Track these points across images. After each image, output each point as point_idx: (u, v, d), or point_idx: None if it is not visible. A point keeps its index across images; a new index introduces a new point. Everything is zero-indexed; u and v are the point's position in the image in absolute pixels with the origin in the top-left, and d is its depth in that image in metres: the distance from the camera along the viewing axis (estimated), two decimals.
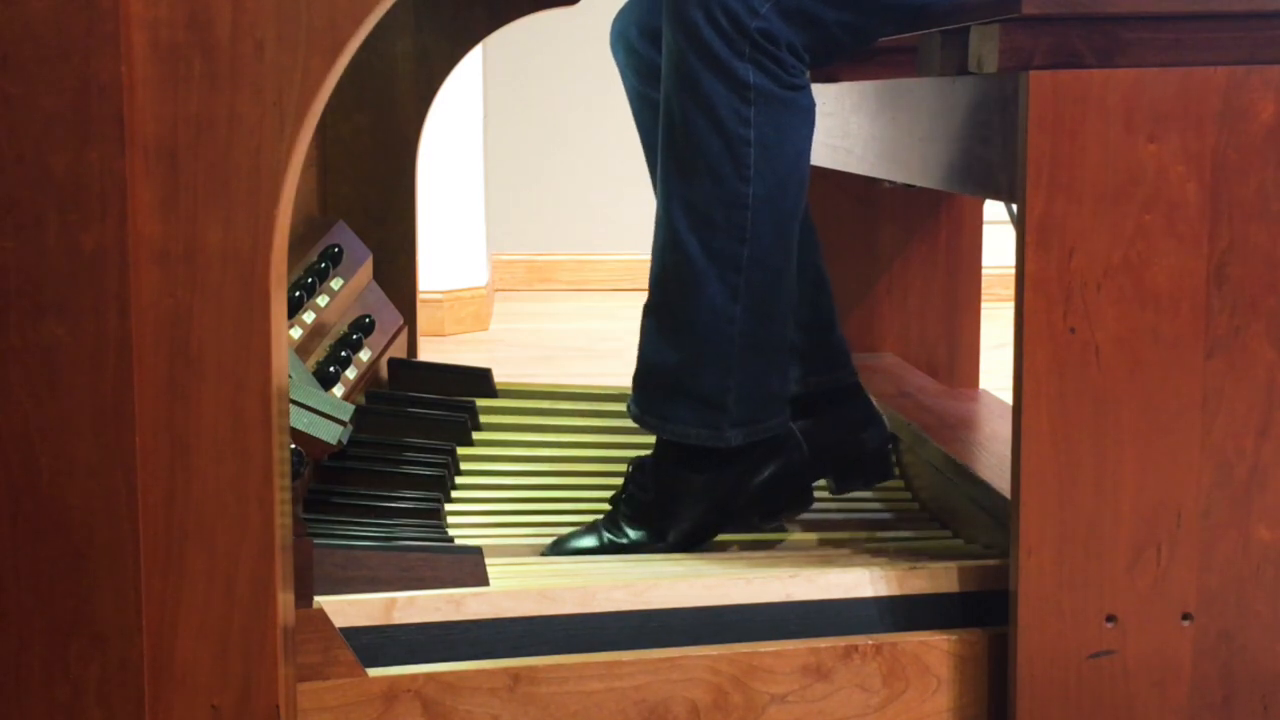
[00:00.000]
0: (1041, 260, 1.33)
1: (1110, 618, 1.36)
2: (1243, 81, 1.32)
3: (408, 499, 1.73)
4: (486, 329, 4.03)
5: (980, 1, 1.42)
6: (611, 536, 1.68)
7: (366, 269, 2.14)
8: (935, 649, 1.41)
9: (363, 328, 1.97)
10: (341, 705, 1.32)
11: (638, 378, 1.70)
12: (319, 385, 1.68)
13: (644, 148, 1.89)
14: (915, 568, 1.47)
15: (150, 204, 1.16)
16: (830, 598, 1.45)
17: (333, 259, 1.96)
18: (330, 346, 1.88)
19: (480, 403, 2.04)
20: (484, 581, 1.44)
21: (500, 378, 2.14)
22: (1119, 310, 1.34)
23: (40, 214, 1.15)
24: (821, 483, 1.79)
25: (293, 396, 1.44)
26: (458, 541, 1.63)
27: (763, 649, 1.39)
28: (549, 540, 1.72)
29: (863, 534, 1.80)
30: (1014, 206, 1.41)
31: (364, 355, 1.94)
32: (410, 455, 1.85)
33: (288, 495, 1.25)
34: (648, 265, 1.70)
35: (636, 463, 1.73)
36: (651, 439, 1.75)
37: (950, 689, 1.41)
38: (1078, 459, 1.34)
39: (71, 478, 1.17)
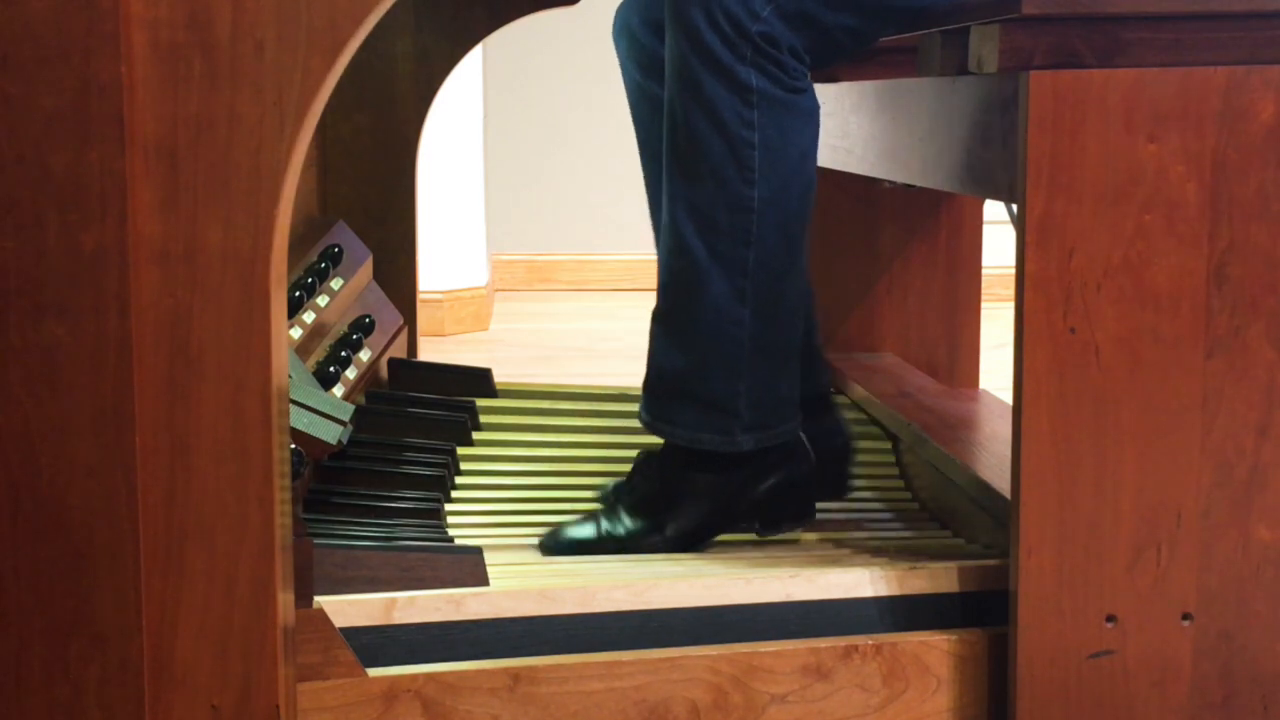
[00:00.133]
0: (1041, 260, 1.33)
1: (1110, 618, 1.36)
2: (1243, 81, 1.32)
3: (408, 499, 1.73)
4: (486, 329, 4.03)
5: (980, 1, 1.42)
6: (609, 526, 1.68)
7: (366, 269, 2.14)
8: (935, 649, 1.41)
9: (363, 328, 1.97)
10: (341, 705, 1.32)
11: (647, 383, 1.70)
12: (319, 385, 1.68)
13: (639, 145, 1.88)
14: (915, 568, 1.47)
15: (150, 204, 1.16)
16: (830, 598, 1.45)
17: (333, 259, 1.96)
18: (330, 346, 1.89)
19: (480, 403, 2.04)
20: (484, 581, 1.44)
21: (500, 378, 2.14)
22: (1119, 310, 1.34)
23: (40, 214, 1.15)
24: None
25: (293, 396, 1.44)
26: (458, 541, 1.63)
27: (763, 649, 1.39)
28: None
29: (863, 534, 1.80)
30: (1014, 206, 1.41)
31: (364, 355, 1.94)
32: (410, 455, 1.85)
33: (288, 495, 1.25)
34: (648, 265, 1.71)
35: (645, 453, 1.73)
36: (651, 437, 1.75)
37: (950, 689, 1.41)
38: (1078, 459, 1.34)
39: (71, 478, 1.17)
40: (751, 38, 1.56)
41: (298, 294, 1.79)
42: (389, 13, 1.27)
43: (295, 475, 1.40)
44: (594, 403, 2.08)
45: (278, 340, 1.21)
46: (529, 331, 3.98)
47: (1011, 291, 1.38)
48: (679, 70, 1.60)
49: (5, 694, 1.19)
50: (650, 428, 1.70)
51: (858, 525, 1.83)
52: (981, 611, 1.45)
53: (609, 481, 1.82)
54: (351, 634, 1.36)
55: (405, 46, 2.24)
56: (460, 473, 1.88)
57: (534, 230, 4.73)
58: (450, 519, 1.76)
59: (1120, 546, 1.35)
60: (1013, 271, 1.37)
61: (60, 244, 1.15)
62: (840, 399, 2.16)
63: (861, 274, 2.33)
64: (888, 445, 2.03)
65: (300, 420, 1.48)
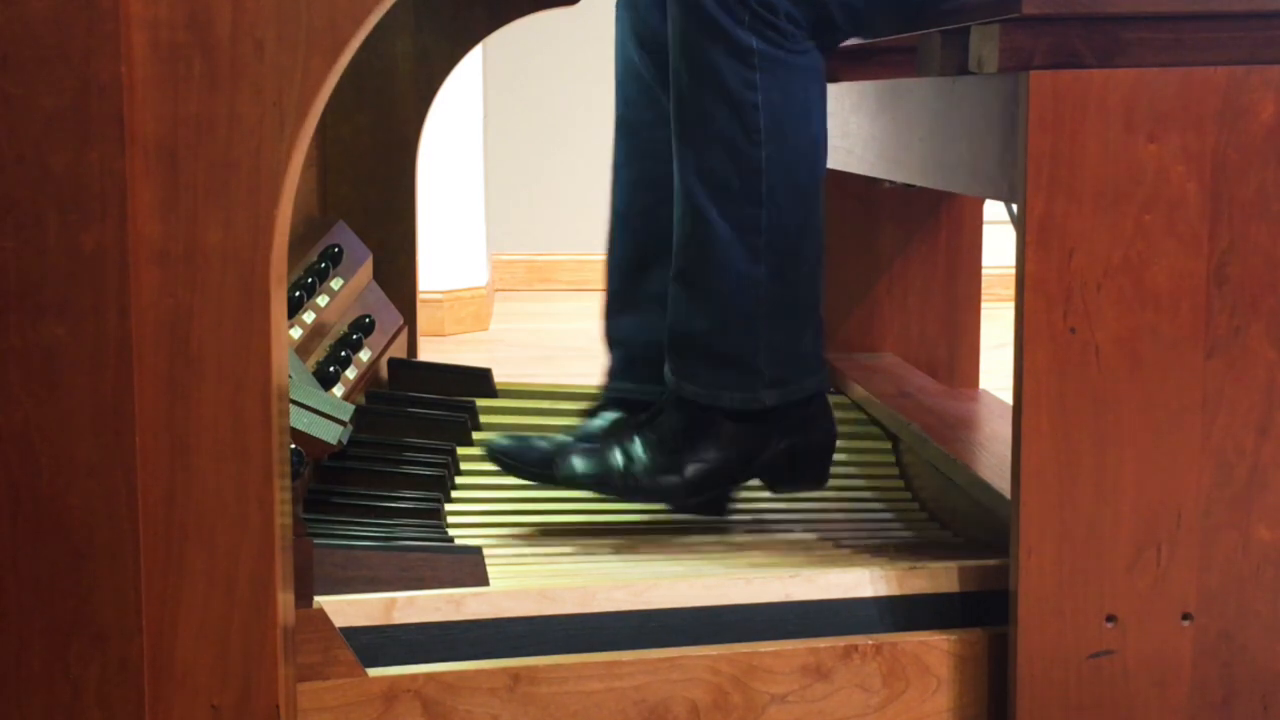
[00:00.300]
0: (1041, 260, 1.33)
1: (1110, 618, 1.36)
2: (1243, 81, 1.32)
3: (408, 499, 1.73)
4: (486, 329, 4.03)
5: (980, 1, 1.42)
6: (622, 460, 1.68)
7: (366, 269, 2.14)
8: (935, 649, 1.41)
9: (363, 328, 1.97)
10: (341, 705, 1.32)
11: (670, 345, 1.71)
12: (319, 385, 1.68)
13: (616, 121, 1.86)
14: (915, 568, 1.47)
15: (150, 204, 1.16)
16: (830, 598, 1.45)
17: (333, 259, 1.96)
18: (330, 346, 1.88)
19: (480, 403, 2.04)
20: (484, 581, 1.44)
21: (500, 378, 2.14)
22: (1119, 310, 1.34)
23: (40, 214, 1.15)
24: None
25: (293, 396, 1.44)
26: (458, 541, 1.63)
27: (763, 649, 1.39)
28: (549, 540, 1.72)
29: (863, 534, 1.80)
30: (1014, 206, 1.41)
31: (364, 355, 1.94)
32: (410, 455, 1.85)
33: (288, 495, 1.25)
34: None
35: (674, 392, 1.73)
36: None
37: (950, 689, 1.41)
38: (1078, 459, 1.34)
39: (71, 478, 1.17)
40: (749, 3, 1.58)
41: (298, 294, 1.79)
42: (389, 13, 1.27)
43: (295, 475, 1.40)
44: (594, 403, 2.07)
45: (278, 340, 1.21)
46: (529, 331, 3.98)
47: (1011, 291, 1.38)
48: (680, 40, 1.62)
49: (5, 694, 1.19)
50: (675, 388, 1.71)
51: (858, 525, 1.83)
52: (981, 611, 1.45)
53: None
54: (351, 634, 1.36)
55: (405, 46, 2.24)
56: (460, 473, 1.88)
57: (534, 230, 4.73)
58: (450, 519, 1.76)
59: (1120, 546, 1.35)
60: (1013, 271, 1.37)
61: (60, 244, 1.15)
62: (840, 399, 2.16)
63: (861, 274, 2.33)
64: (888, 445, 2.03)
65: (300, 420, 1.48)
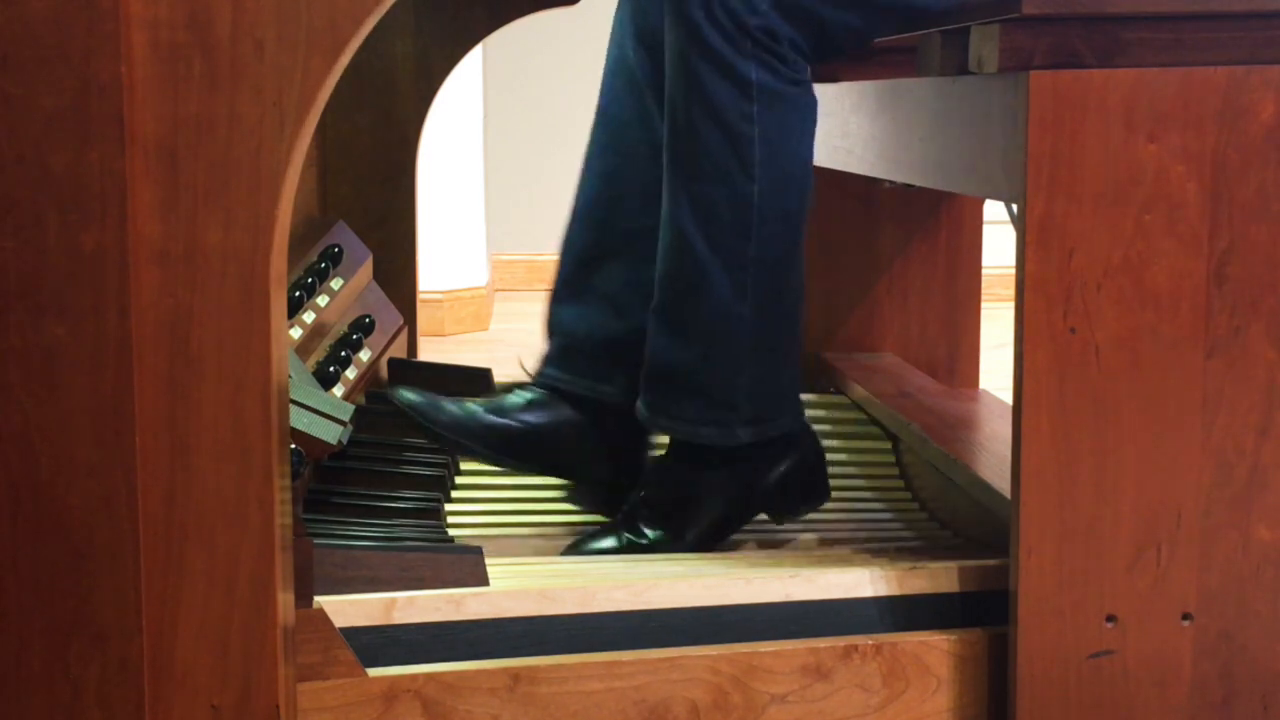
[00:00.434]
0: (1041, 260, 1.33)
1: (1110, 618, 1.36)
2: (1243, 81, 1.32)
3: (408, 499, 1.73)
4: (486, 329, 4.03)
5: (980, 1, 1.42)
6: (631, 537, 1.68)
7: (366, 269, 2.14)
8: (935, 649, 1.41)
9: (363, 328, 1.97)
10: (341, 705, 1.32)
11: (647, 378, 1.70)
12: (319, 385, 1.68)
13: (597, 113, 1.84)
14: (915, 568, 1.47)
15: (150, 204, 1.16)
16: (830, 598, 1.45)
17: (333, 259, 1.96)
18: (330, 346, 1.88)
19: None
20: (484, 581, 1.44)
21: (500, 378, 2.14)
22: (1119, 310, 1.34)
23: (40, 214, 1.15)
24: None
25: (293, 396, 1.44)
26: (458, 541, 1.63)
27: (763, 649, 1.39)
28: (549, 540, 1.72)
29: (863, 534, 1.80)
30: (1014, 206, 1.41)
31: (364, 355, 1.94)
32: (410, 455, 1.85)
33: (288, 495, 1.25)
34: None
35: (652, 464, 1.73)
36: (660, 438, 1.75)
37: (950, 689, 1.41)
38: (1078, 459, 1.34)
39: (71, 478, 1.17)
40: (750, 31, 1.56)
41: (298, 294, 1.79)
42: (389, 13, 1.27)
43: (295, 475, 1.40)
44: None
45: (278, 340, 1.21)
46: (529, 331, 3.97)
47: (1011, 291, 1.38)
48: (679, 65, 1.60)
49: (5, 694, 1.19)
50: (648, 422, 1.70)
51: (858, 525, 1.83)
52: (981, 611, 1.45)
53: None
54: (351, 634, 1.36)
55: (405, 46, 2.24)
56: (460, 473, 1.88)
57: (534, 230, 4.73)
58: (450, 519, 1.76)
59: (1120, 546, 1.35)
60: (1013, 271, 1.37)
61: (60, 244, 1.15)
62: (840, 399, 2.16)
63: (861, 274, 2.33)
64: (888, 445, 2.03)
65: (300, 420, 1.48)
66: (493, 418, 1.73)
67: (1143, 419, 1.34)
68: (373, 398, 1.99)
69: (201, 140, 1.16)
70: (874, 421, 2.08)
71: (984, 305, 2.36)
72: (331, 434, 1.50)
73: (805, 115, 1.63)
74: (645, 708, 1.37)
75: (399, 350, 2.19)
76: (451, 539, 1.64)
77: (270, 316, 1.18)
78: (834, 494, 1.84)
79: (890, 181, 2.12)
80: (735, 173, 1.60)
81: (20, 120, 1.14)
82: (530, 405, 1.76)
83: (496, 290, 4.58)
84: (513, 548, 1.71)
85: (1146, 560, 1.35)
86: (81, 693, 1.19)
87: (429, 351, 2.67)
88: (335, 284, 1.94)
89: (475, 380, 2.12)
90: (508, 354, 3.58)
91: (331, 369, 1.79)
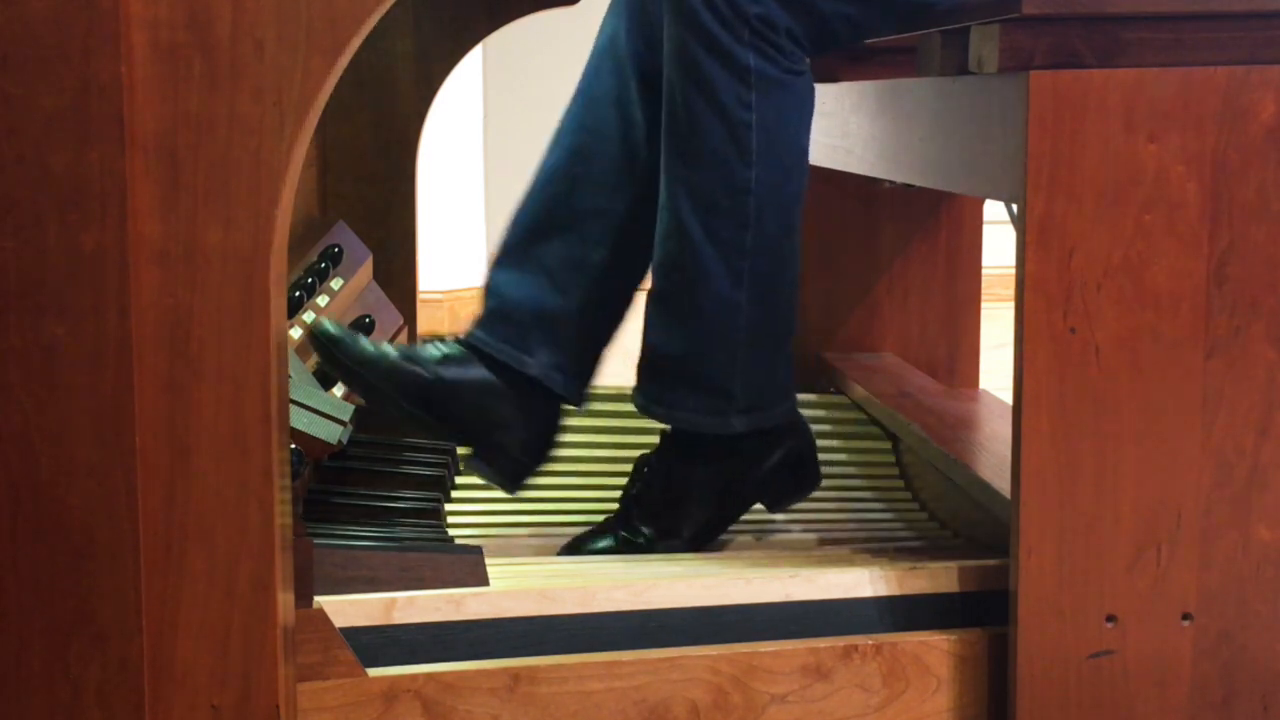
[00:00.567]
0: (1041, 260, 1.33)
1: (1110, 618, 1.36)
2: (1243, 81, 1.32)
3: (408, 499, 1.73)
4: None
5: (980, 1, 1.42)
6: (627, 535, 1.68)
7: (366, 269, 2.14)
8: (935, 649, 1.41)
9: (363, 327, 1.97)
10: (341, 705, 1.32)
11: (642, 366, 1.70)
12: (319, 385, 1.68)
13: (577, 93, 1.81)
14: (915, 568, 1.47)
15: (150, 204, 1.16)
16: (830, 598, 1.45)
17: (333, 259, 1.96)
18: None
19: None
20: (484, 581, 1.44)
21: None
22: (1119, 310, 1.34)
23: (40, 214, 1.15)
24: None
25: (293, 396, 1.44)
26: (458, 541, 1.63)
27: (763, 649, 1.39)
28: (549, 540, 1.72)
29: (863, 534, 1.80)
30: (1014, 206, 1.41)
31: None
32: (410, 455, 1.85)
33: (288, 495, 1.25)
34: None
35: (643, 460, 1.73)
36: (653, 437, 1.74)
37: (950, 689, 1.41)
38: (1078, 459, 1.34)
39: (71, 478, 1.17)
40: (749, 20, 1.56)
41: (298, 294, 1.79)
42: (389, 13, 1.27)
43: (295, 475, 1.40)
44: (594, 403, 2.07)
45: (278, 340, 1.21)
46: None
47: (1011, 291, 1.38)
48: (677, 54, 1.60)
49: (5, 694, 1.19)
50: (645, 410, 1.70)
51: (858, 525, 1.83)
52: (981, 611, 1.45)
53: (609, 481, 1.81)
54: (351, 634, 1.36)
55: (405, 46, 2.24)
56: (460, 473, 1.88)
57: None
58: (450, 519, 1.76)
59: (1120, 546, 1.35)
60: (1013, 271, 1.37)
61: (60, 244, 1.15)
62: (840, 399, 2.16)
63: (861, 274, 2.33)
64: (888, 445, 2.03)
65: (300, 420, 1.48)
66: (406, 363, 1.70)
67: (1143, 419, 1.34)
68: None
69: (201, 140, 1.16)
70: (874, 421, 2.08)
71: (984, 305, 2.36)
72: (331, 434, 1.50)
73: (803, 103, 1.63)
74: (645, 708, 1.37)
75: None
76: (451, 539, 1.63)
77: (270, 316, 1.18)
78: (834, 494, 1.84)
79: (890, 181, 2.12)
80: (733, 160, 1.59)
81: (20, 120, 1.14)
82: (446, 359, 1.72)
83: None
84: (513, 548, 1.71)
85: (1146, 560, 1.35)
86: (81, 693, 1.19)
87: None
88: (335, 284, 1.94)
89: None
90: None
91: None
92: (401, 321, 2.19)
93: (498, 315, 1.75)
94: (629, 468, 1.76)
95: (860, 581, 1.46)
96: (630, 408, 2.02)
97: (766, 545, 1.74)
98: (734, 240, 1.61)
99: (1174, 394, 1.34)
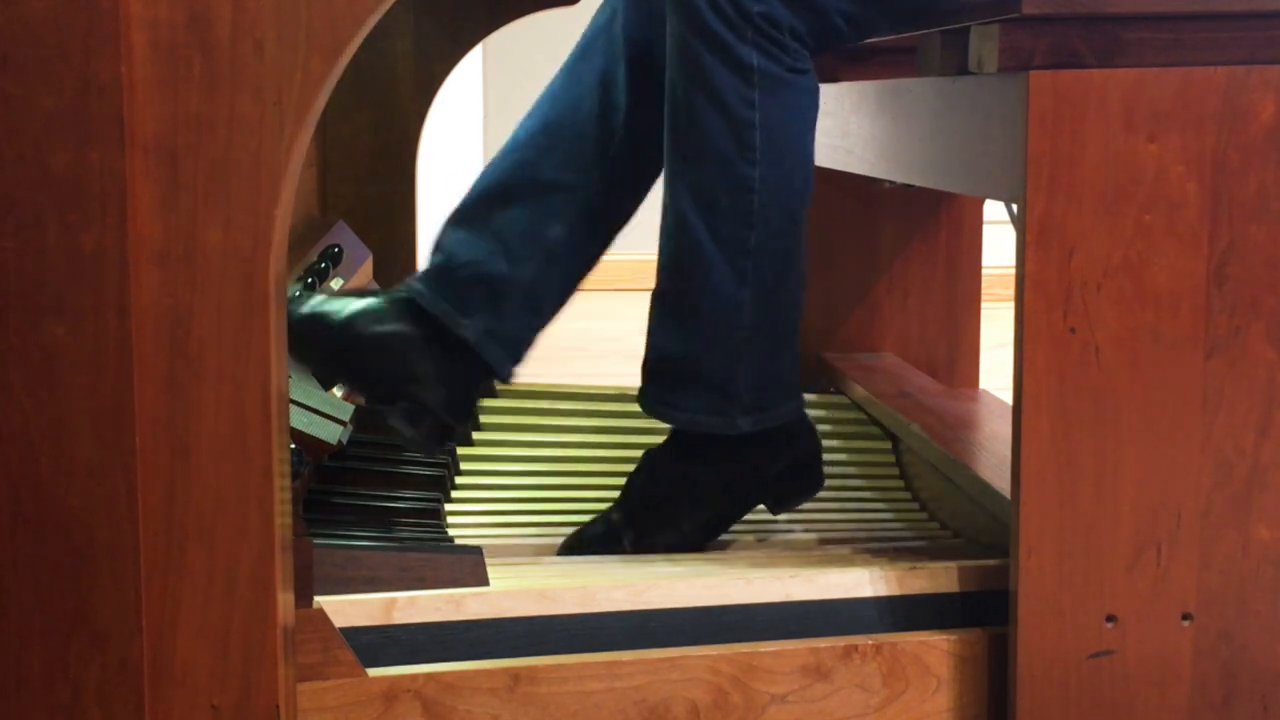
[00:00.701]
0: (1041, 260, 1.33)
1: (1110, 618, 1.36)
2: (1243, 81, 1.32)
3: (408, 499, 1.73)
4: None
5: (980, 1, 1.42)
6: (617, 522, 1.68)
7: (366, 269, 2.14)
8: (935, 649, 1.41)
9: None
10: (341, 705, 1.32)
11: (647, 366, 1.69)
12: (319, 385, 1.68)
13: (563, 68, 1.78)
14: (915, 568, 1.47)
15: (150, 204, 1.16)
16: (830, 598, 1.45)
17: (333, 259, 1.96)
18: None
19: (480, 403, 2.04)
20: (484, 581, 1.44)
21: None
22: (1119, 310, 1.34)
23: (40, 214, 1.15)
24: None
25: (293, 396, 1.44)
26: (458, 541, 1.63)
27: (763, 649, 1.39)
28: (549, 540, 1.72)
29: (863, 534, 1.80)
30: (1014, 206, 1.41)
31: None
32: (410, 455, 1.85)
33: (288, 495, 1.25)
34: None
35: (647, 455, 1.73)
36: (653, 437, 1.74)
37: (950, 689, 1.41)
38: (1078, 459, 1.34)
39: (71, 478, 1.17)
40: (752, 18, 1.56)
41: (298, 294, 1.79)
42: (389, 13, 1.27)
43: (295, 475, 1.40)
44: (594, 403, 2.08)
45: (278, 340, 1.21)
46: None
47: (1011, 291, 1.38)
48: (680, 52, 1.60)
49: (5, 694, 1.19)
50: (650, 411, 1.69)
51: (858, 525, 1.83)
52: (981, 611, 1.45)
53: (609, 481, 1.81)
54: (351, 634, 1.36)
55: (405, 46, 2.24)
56: (460, 473, 1.88)
57: None
58: (450, 519, 1.76)
59: (1120, 546, 1.35)
60: (1013, 271, 1.37)
61: (60, 244, 1.15)
62: (840, 399, 2.16)
63: (861, 274, 2.33)
64: (888, 445, 2.03)
65: (300, 420, 1.48)
66: (319, 315, 1.65)
67: (1143, 419, 1.34)
68: None
69: (201, 140, 1.16)
70: (874, 421, 2.08)
71: (984, 305, 2.36)
72: (331, 434, 1.50)
73: (807, 102, 1.62)
74: (645, 708, 1.37)
75: None
76: (451, 539, 1.64)
77: (270, 316, 1.18)
78: (834, 494, 1.84)
79: (890, 181, 2.12)
80: (736, 159, 1.59)
81: (20, 120, 1.14)
82: (364, 314, 1.68)
83: None
84: (513, 548, 1.71)
85: (1146, 560, 1.35)
86: (81, 693, 1.19)
87: None
88: (335, 284, 1.94)
89: None
90: None
91: None
92: None
93: (441, 272, 1.71)
94: (629, 468, 1.76)
95: (860, 581, 1.46)
96: (630, 408, 2.02)
97: (767, 545, 1.74)
98: (737, 239, 1.60)
99: (1174, 394, 1.34)
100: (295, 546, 1.29)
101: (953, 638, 1.41)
